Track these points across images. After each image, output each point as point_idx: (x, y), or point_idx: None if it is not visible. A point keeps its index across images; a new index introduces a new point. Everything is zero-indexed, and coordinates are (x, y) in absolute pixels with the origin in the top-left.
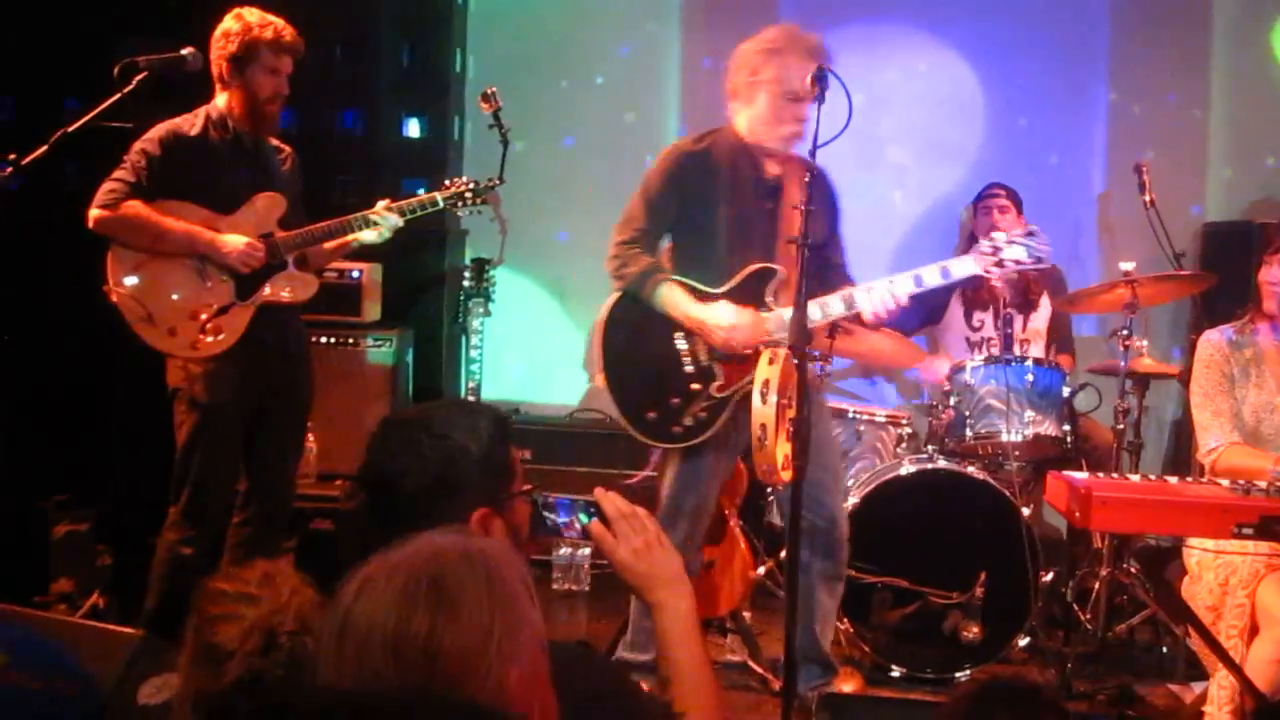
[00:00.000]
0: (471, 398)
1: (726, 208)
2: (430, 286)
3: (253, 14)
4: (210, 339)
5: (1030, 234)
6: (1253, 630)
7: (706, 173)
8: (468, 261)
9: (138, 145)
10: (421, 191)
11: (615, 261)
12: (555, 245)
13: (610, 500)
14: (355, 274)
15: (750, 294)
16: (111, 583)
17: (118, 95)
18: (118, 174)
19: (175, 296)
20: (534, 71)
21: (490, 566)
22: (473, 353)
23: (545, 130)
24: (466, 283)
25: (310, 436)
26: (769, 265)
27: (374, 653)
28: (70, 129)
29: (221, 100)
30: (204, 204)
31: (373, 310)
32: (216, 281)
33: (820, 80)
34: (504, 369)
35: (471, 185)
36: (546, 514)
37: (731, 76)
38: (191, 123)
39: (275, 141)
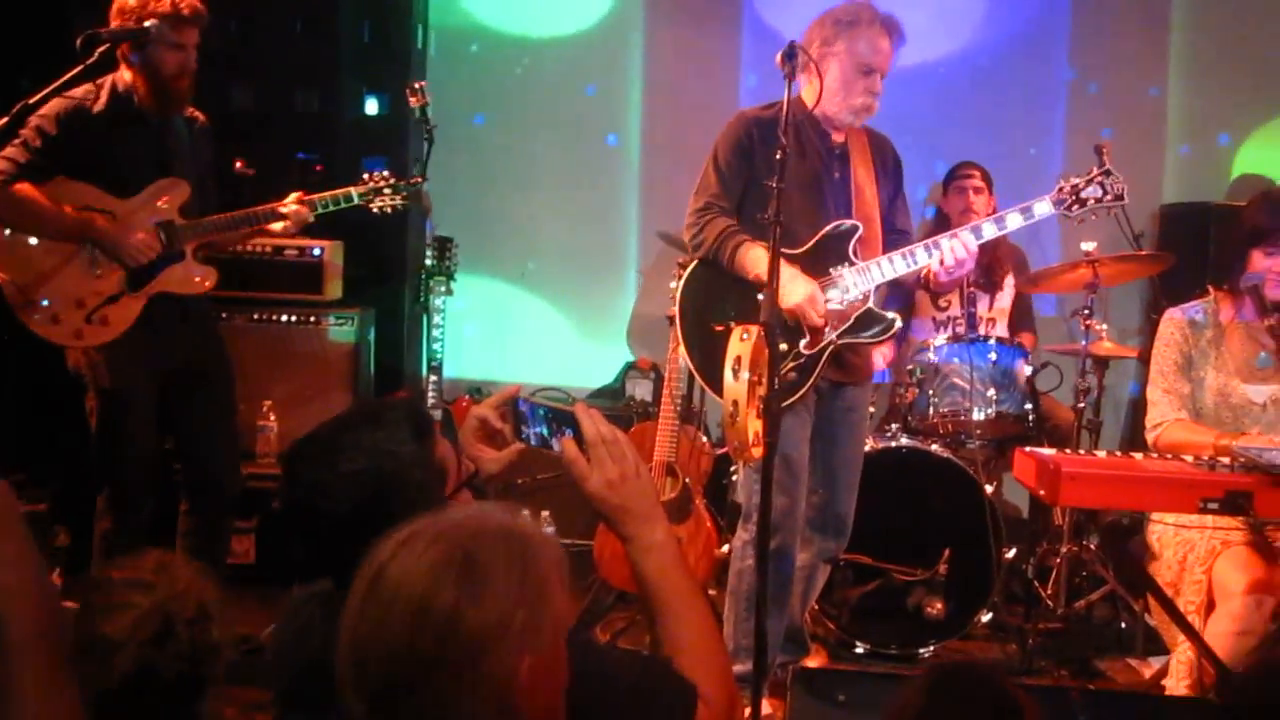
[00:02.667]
0: (434, 377)
1: (799, 173)
2: (392, 265)
3: None
4: (96, 328)
5: (1106, 173)
6: (1209, 606)
7: (775, 139)
8: (429, 239)
9: (34, 120)
10: (380, 170)
11: (691, 230)
12: (516, 222)
13: (590, 419)
14: (316, 252)
15: (832, 251)
16: (69, 563)
17: (79, 67)
18: (9, 152)
19: (61, 284)
20: (496, 47)
21: (528, 551)
22: (435, 332)
23: (506, 106)
24: (428, 261)
25: (271, 416)
26: (849, 221)
27: (397, 613)
28: (31, 100)
29: (126, 75)
30: (101, 186)
31: (334, 289)
32: (106, 269)
33: (790, 57)
34: (466, 348)
35: (391, 181)
36: (523, 425)
37: (804, 48)
38: (95, 96)
39: (191, 111)
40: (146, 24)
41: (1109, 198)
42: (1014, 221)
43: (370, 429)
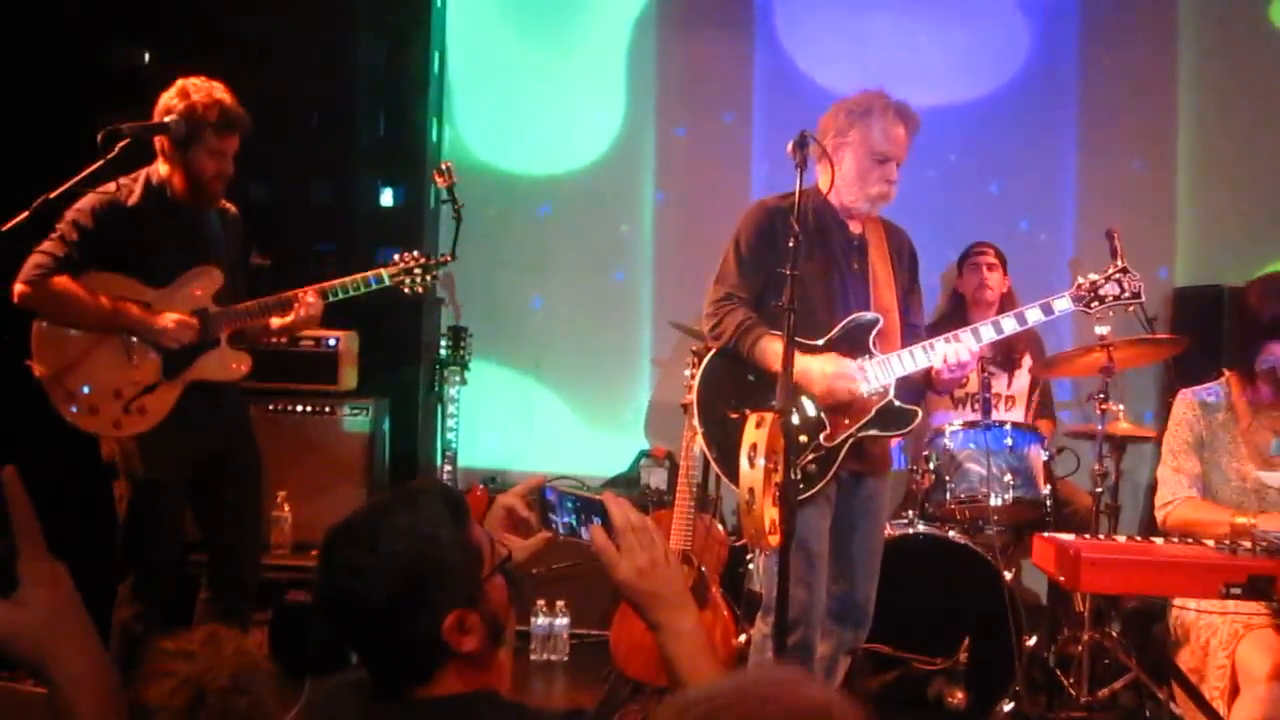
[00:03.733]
0: (448, 466)
1: (818, 264)
2: (406, 355)
3: (198, 89)
4: (134, 417)
5: (1124, 271)
6: (1234, 691)
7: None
8: (443, 330)
9: (70, 215)
10: (415, 252)
11: (711, 320)
12: (529, 312)
13: (620, 508)
14: (332, 342)
15: (853, 342)
16: None
17: (100, 161)
18: (46, 246)
19: (99, 374)
20: (510, 140)
21: None
22: (449, 421)
23: (520, 198)
24: (443, 351)
25: (285, 506)
26: (870, 314)
27: None
28: (52, 195)
29: (163, 169)
30: (137, 277)
31: (349, 378)
32: (143, 359)
33: (801, 145)
34: (480, 437)
35: (421, 262)
36: (550, 514)
37: (818, 139)
38: (130, 189)
39: (222, 203)
40: (167, 119)
41: (1126, 295)
42: (1034, 317)
43: (408, 512)
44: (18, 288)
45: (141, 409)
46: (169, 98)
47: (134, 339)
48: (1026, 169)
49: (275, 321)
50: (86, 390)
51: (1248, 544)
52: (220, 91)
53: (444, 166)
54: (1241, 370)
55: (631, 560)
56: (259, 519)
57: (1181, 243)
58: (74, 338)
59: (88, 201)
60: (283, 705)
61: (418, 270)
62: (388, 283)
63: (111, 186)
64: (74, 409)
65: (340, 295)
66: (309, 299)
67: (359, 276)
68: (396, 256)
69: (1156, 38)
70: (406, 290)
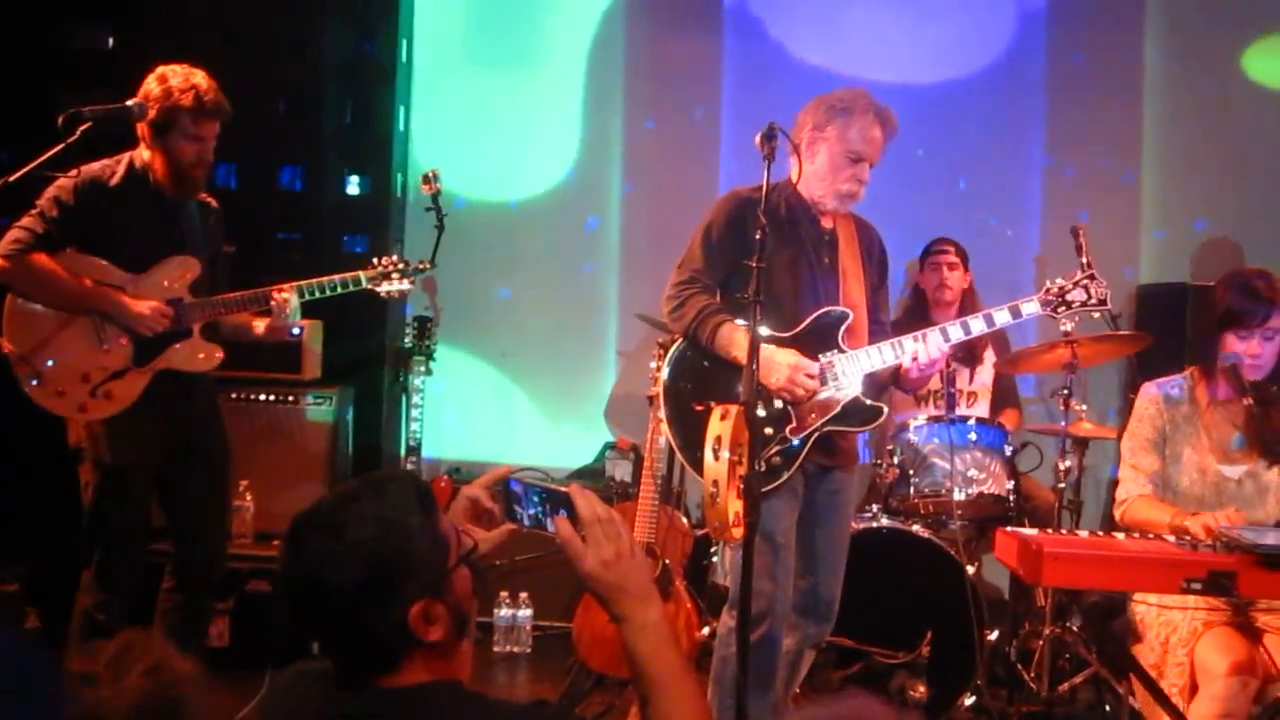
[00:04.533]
0: (412, 457)
1: (788, 256)
2: (371, 344)
3: (176, 75)
4: (100, 402)
5: (1091, 277)
6: (1193, 689)
7: (768, 221)
8: (408, 320)
9: (51, 191)
10: (394, 256)
11: (671, 303)
12: (496, 303)
13: (585, 500)
14: (296, 331)
15: (822, 336)
16: (40, 645)
17: (61, 145)
18: (26, 221)
19: (68, 355)
20: (477, 130)
21: None
22: (413, 411)
23: (487, 188)
24: (408, 341)
25: (248, 496)
26: (839, 308)
27: None
28: (12, 179)
29: (145, 154)
30: (114, 261)
31: (313, 368)
32: (115, 344)
33: (769, 138)
34: (445, 428)
35: (399, 266)
36: (515, 506)
37: (795, 131)
38: (113, 170)
39: (203, 196)
40: (130, 103)
41: (1093, 301)
42: (1002, 319)
43: (376, 500)
44: None
45: (108, 394)
46: (147, 84)
47: (106, 323)
48: (994, 166)
49: (258, 325)
50: (54, 371)
51: (1208, 540)
52: (199, 77)
53: (430, 174)
54: (1203, 365)
55: (597, 552)
56: (225, 510)
57: (1146, 241)
58: (46, 316)
59: (70, 179)
60: (207, 711)
61: (395, 274)
62: (365, 285)
63: (96, 166)
64: (40, 389)
65: (317, 295)
66: (283, 296)
67: (337, 278)
68: (376, 260)
69: (1123, 37)
70: (383, 294)
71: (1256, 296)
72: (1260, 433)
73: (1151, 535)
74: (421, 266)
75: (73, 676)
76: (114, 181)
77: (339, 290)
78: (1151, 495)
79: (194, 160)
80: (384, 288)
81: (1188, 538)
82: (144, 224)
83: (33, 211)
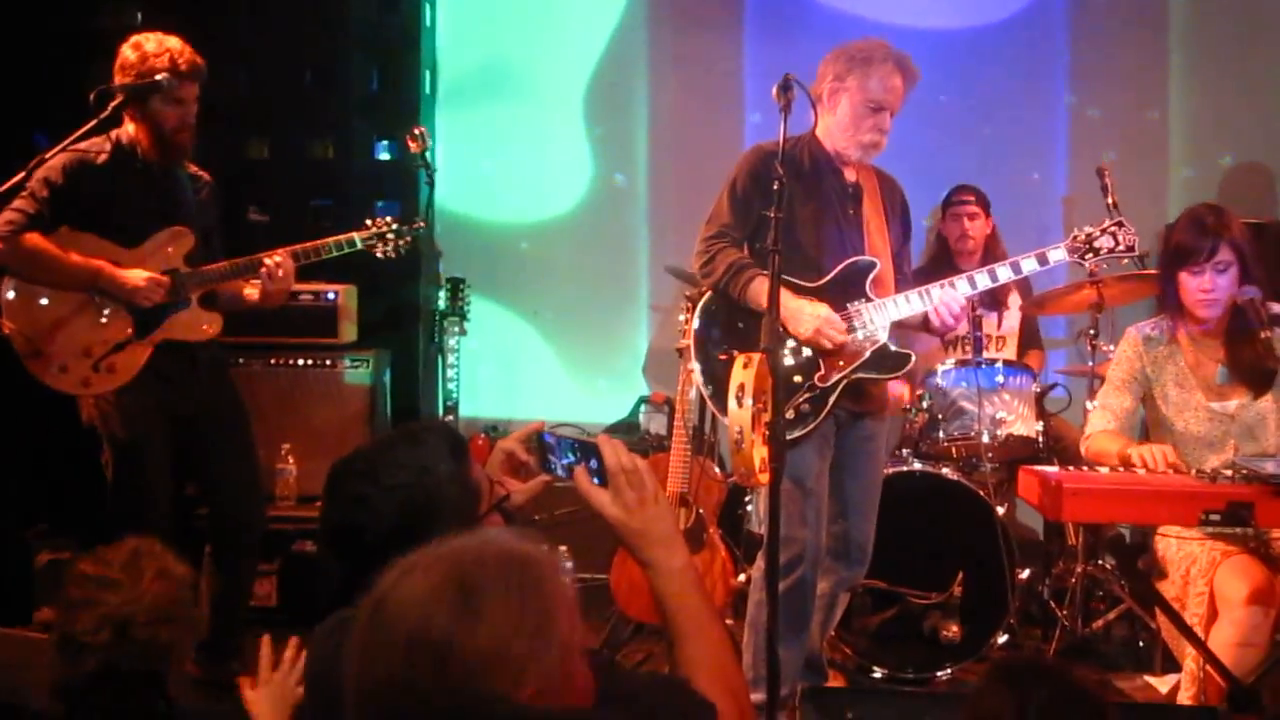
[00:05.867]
0: (449, 417)
1: (813, 208)
2: (405, 307)
3: (150, 41)
4: (103, 376)
5: (1119, 224)
6: (1212, 617)
7: (791, 173)
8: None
9: (40, 173)
10: (391, 214)
11: (702, 258)
12: (526, 263)
13: (612, 449)
14: (331, 295)
15: (849, 286)
16: None
17: (94, 121)
18: (17, 203)
19: (69, 332)
20: (503, 91)
21: (530, 577)
22: (449, 372)
23: (514, 149)
24: (441, 303)
25: (290, 459)
26: (867, 258)
27: (394, 642)
28: (47, 156)
29: (130, 128)
30: (108, 237)
31: (349, 332)
32: (114, 317)
33: (785, 89)
34: (480, 387)
35: (393, 226)
36: (549, 457)
37: (816, 83)
38: (101, 148)
39: (193, 169)
40: (158, 78)
41: (1121, 248)
42: (1029, 267)
43: (410, 447)
44: None
45: (111, 367)
46: (122, 53)
47: (104, 297)
48: (1018, 109)
49: (250, 292)
50: (55, 347)
51: (1229, 472)
52: (172, 41)
53: (417, 131)
54: (1170, 306)
55: (621, 500)
56: (253, 469)
57: (1174, 178)
58: (44, 295)
59: (58, 159)
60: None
61: (390, 234)
62: (360, 246)
63: (84, 145)
64: (42, 366)
65: (312, 258)
66: (276, 259)
67: (330, 240)
68: (369, 221)
69: None
70: (380, 254)
71: (1203, 231)
72: (1238, 366)
73: (1169, 470)
74: (414, 225)
75: (86, 579)
76: (101, 159)
77: (333, 252)
78: (1114, 430)
79: (177, 125)
80: (380, 249)
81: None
82: (134, 197)
83: (23, 193)
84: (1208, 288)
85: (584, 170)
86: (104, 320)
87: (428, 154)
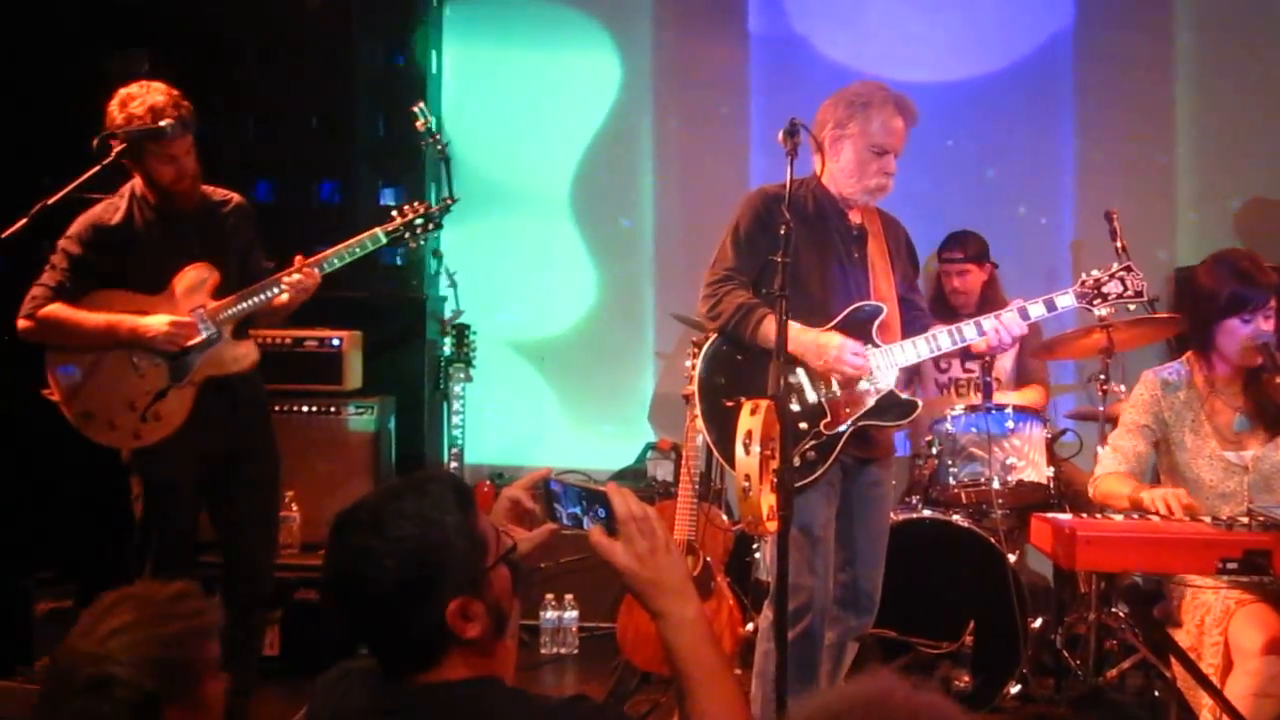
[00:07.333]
0: (454, 463)
1: (818, 252)
2: (410, 353)
3: (134, 99)
4: (151, 425)
5: (1127, 269)
6: (1228, 667)
7: (796, 217)
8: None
9: (60, 245)
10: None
11: (708, 302)
12: (535, 308)
13: (622, 498)
14: (335, 342)
15: (855, 331)
16: None
17: (96, 167)
18: (42, 279)
19: (110, 389)
20: (509, 137)
21: None
22: (455, 418)
23: (521, 194)
24: (447, 349)
25: (293, 506)
26: (873, 303)
27: None
28: (50, 201)
29: (138, 181)
30: (135, 288)
31: (354, 378)
32: (149, 367)
33: (791, 134)
34: (485, 434)
35: (423, 210)
36: (555, 505)
37: (817, 129)
38: (115, 207)
39: (219, 194)
40: (162, 124)
41: (1129, 294)
42: (1037, 312)
43: (416, 498)
44: (20, 324)
45: (157, 415)
46: (110, 110)
47: (135, 350)
48: (1023, 153)
49: (279, 299)
50: (101, 406)
51: (1245, 519)
52: (156, 95)
53: (416, 109)
54: (1200, 351)
55: (632, 549)
56: (274, 524)
57: (1181, 222)
58: (81, 358)
59: (74, 228)
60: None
61: (419, 221)
62: (385, 242)
63: (98, 209)
64: (95, 428)
65: (337, 264)
66: (296, 276)
67: (354, 241)
68: (395, 212)
69: (1152, 16)
70: (408, 243)
71: (1254, 281)
72: (1261, 410)
73: (1186, 518)
74: (446, 202)
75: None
76: (116, 219)
77: (359, 253)
78: (1124, 472)
79: (174, 178)
80: (408, 238)
81: (1225, 517)
82: (154, 246)
83: (47, 267)
84: (1259, 334)
85: (591, 214)
86: (141, 371)
87: (431, 128)
